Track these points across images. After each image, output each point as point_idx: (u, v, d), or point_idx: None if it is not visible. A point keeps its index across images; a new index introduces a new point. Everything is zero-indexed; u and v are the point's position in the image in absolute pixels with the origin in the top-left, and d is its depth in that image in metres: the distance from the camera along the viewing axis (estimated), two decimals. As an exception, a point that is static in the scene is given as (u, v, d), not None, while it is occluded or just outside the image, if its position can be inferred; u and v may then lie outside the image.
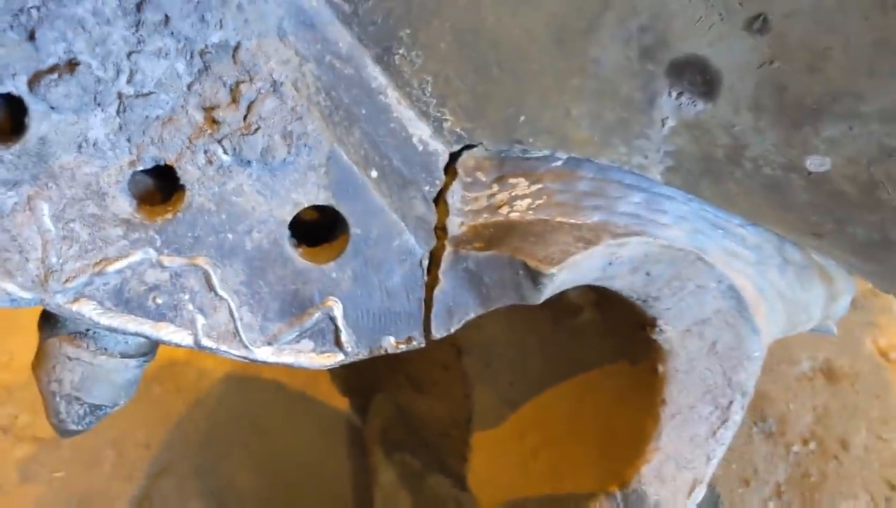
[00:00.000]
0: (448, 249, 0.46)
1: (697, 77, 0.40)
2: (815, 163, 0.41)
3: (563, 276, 0.46)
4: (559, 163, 0.47)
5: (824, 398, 1.06)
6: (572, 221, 0.47)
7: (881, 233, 0.43)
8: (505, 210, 0.47)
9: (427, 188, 0.46)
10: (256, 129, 0.40)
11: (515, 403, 0.65)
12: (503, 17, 0.41)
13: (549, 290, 0.46)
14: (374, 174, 0.44)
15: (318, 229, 0.47)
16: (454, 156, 0.47)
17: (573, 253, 0.46)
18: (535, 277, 0.45)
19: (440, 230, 0.47)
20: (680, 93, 0.41)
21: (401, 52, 0.43)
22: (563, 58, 0.42)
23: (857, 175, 0.40)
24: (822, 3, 0.35)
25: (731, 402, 0.54)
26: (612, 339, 0.59)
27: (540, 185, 0.47)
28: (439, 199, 0.47)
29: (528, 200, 0.47)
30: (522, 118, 0.45)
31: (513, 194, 0.47)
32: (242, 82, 0.40)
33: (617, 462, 0.55)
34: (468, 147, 0.46)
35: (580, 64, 0.42)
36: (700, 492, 0.54)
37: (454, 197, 0.47)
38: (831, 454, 1.02)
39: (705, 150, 0.43)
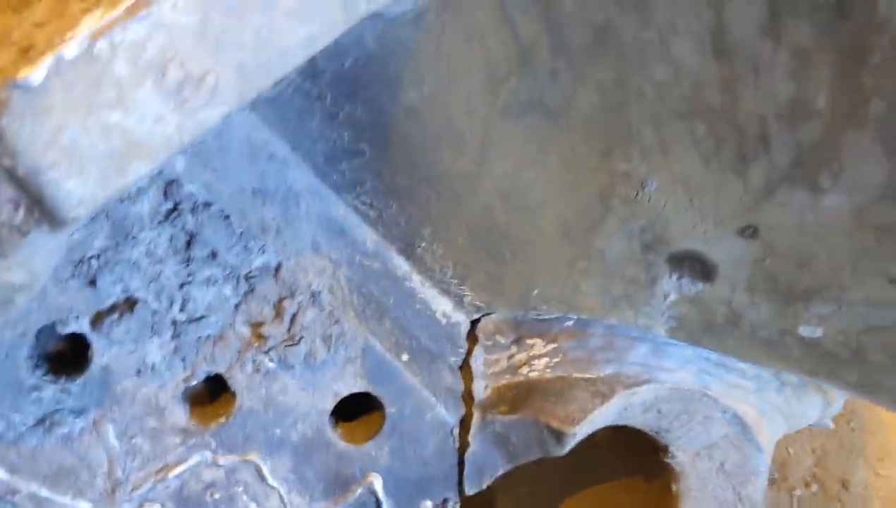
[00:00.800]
0: (476, 415, 0.50)
1: (696, 265, 0.44)
2: (808, 331, 0.45)
3: (584, 430, 0.50)
4: (571, 323, 0.51)
5: (822, 439, 1.11)
6: (587, 376, 0.51)
7: (872, 380, 0.47)
8: (525, 370, 0.51)
9: (453, 359, 0.50)
10: (300, 339, 0.44)
11: (536, 513, 0.69)
12: (513, 219, 0.45)
13: (571, 444, 0.50)
14: (405, 357, 0.48)
15: (353, 399, 0.51)
16: (474, 323, 0.51)
17: (591, 409, 0.50)
18: (558, 436, 0.49)
19: (467, 396, 0.50)
20: (680, 277, 0.45)
21: (423, 245, 0.47)
22: (570, 247, 0.46)
23: (848, 342, 0.44)
24: (806, 220, 0.39)
25: (741, 514, 0.58)
26: (628, 456, 0.62)
27: (555, 344, 0.51)
28: (464, 366, 0.51)
29: (546, 359, 0.51)
30: (536, 292, 0.49)
31: (531, 354, 0.51)
32: (285, 299, 0.44)
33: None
34: (487, 314, 0.50)
35: (586, 252, 0.46)
36: None
37: (477, 361, 0.51)
38: (833, 495, 1.07)
39: (705, 317, 0.47)
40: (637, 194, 0.42)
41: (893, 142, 0.35)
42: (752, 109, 0.37)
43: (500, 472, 0.51)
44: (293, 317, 0.44)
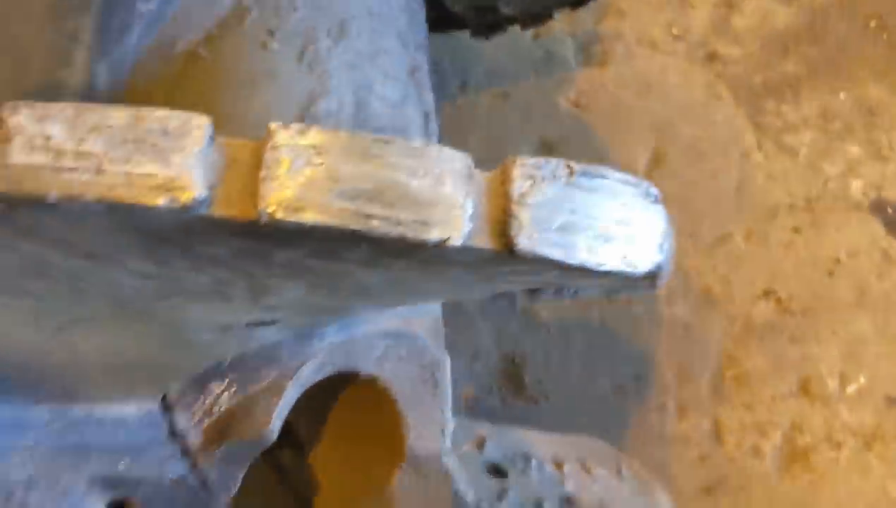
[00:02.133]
0: (201, 459, 0.66)
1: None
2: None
3: (277, 424, 0.66)
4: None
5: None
6: (260, 385, 0.67)
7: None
8: (216, 408, 0.67)
9: (161, 435, 0.65)
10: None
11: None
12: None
13: (272, 440, 0.67)
14: (121, 466, 0.63)
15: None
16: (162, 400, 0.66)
17: (273, 407, 0.66)
18: (260, 443, 0.66)
19: (187, 452, 0.66)
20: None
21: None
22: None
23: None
24: None
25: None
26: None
27: (228, 378, 0.66)
28: (172, 432, 0.66)
29: (226, 393, 0.66)
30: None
31: (215, 394, 0.66)
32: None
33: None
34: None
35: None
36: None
37: (180, 422, 0.66)
38: None
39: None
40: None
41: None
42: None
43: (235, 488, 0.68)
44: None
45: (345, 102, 0.74)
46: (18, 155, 0.34)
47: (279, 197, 0.36)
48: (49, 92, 0.75)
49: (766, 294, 1.20)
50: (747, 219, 1.24)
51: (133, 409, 0.63)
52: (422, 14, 0.91)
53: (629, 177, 0.43)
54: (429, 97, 0.85)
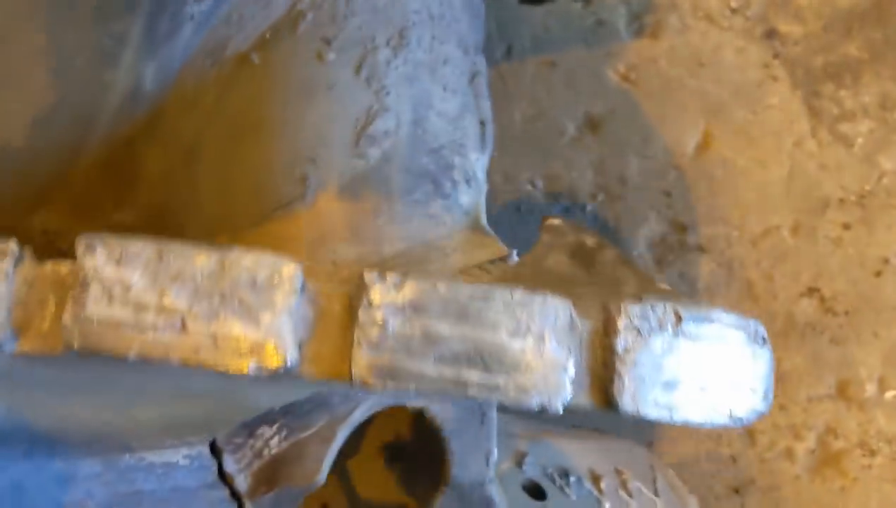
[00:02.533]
0: (248, 505, 0.65)
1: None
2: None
3: (326, 470, 0.65)
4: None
5: (596, 150, 1.25)
6: (310, 432, 0.65)
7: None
8: (266, 451, 0.65)
9: (210, 479, 0.64)
10: None
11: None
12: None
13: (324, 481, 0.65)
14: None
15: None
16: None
17: (323, 455, 0.65)
18: (307, 490, 0.64)
19: (234, 496, 0.65)
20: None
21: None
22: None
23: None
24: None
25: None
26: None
27: (277, 423, 0.65)
28: (221, 474, 0.65)
29: (276, 437, 0.65)
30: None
31: (265, 438, 0.65)
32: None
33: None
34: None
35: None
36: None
37: (228, 465, 0.65)
38: (617, 194, 1.24)
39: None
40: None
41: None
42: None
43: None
44: None
45: (402, 121, 0.70)
46: (97, 305, 0.31)
47: (373, 362, 0.34)
48: (94, 92, 0.72)
49: (810, 291, 1.17)
50: (795, 212, 1.20)
51: (184, 452, 0.62)
52: (482, 8, 0.86)
53: (737, 319, 0.40)
54: (486, 104, 0.80)
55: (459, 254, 0.68)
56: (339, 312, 0.35)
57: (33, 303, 0.32)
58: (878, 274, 1.17)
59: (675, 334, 0.38)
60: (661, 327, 0.38)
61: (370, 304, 0.35)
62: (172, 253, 0.32)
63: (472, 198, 0.73)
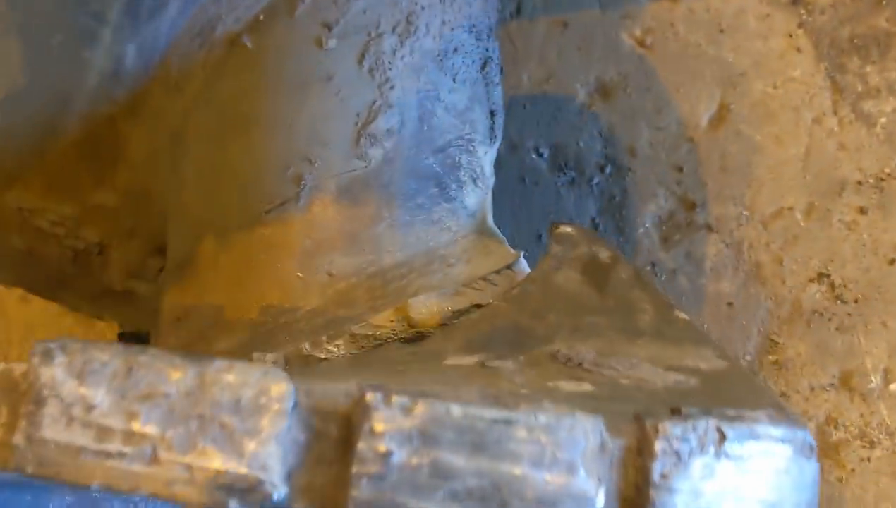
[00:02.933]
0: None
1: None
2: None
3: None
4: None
5: (606, 117, 1.20)
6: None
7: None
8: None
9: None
10: None
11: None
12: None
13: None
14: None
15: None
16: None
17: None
18: None
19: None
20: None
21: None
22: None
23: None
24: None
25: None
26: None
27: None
28: None
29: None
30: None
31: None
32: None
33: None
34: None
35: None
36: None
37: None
38: (625, 167, 1.19)
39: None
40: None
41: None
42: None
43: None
44: None
45: (407, 118, 0.64)
46: (53, 428, 0.27)
47: (374, 498, 0.30)
48: (72, 70, 0.66)
49: (820, 277, 1.13)
50: (810, 193, 1.15)
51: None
52: (496, -16, 0.79)
53: (785, 431, 0.36)
54: (497, 92, 0.74)
55: (463, 264, 0.64)
56: (336, 437, 0.30)
57: (-20, 411, 0.27)
58: (892, 261, 1.13)
59: (718, 455, 0.34)
60: (703, 449, 0.34)
61: (372, 432, 0.30)
62: (143, 367, 0.27)
63: (478, 197, 0.69)
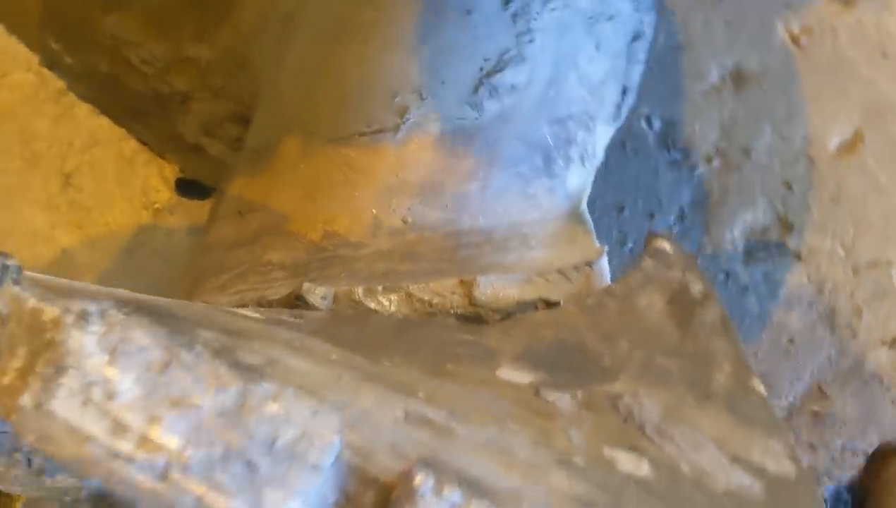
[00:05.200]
0: None
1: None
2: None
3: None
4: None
5: (731, 107, 1.11)
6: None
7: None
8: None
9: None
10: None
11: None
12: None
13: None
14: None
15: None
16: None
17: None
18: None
19: None
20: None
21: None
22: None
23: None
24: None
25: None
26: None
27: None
28: None
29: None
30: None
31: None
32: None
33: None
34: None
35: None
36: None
37: None
38: (734, 166, 1.12)
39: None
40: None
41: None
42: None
43: None
44: None
45: (536, 78, 0.58)
46: (66, 404, 0.23)
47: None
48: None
49: (893, 343, 1.07)
50: (914, 253, 1.07)
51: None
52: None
53: None
54: (637, 70, 0.68)
55: (543, 248, 0.59)
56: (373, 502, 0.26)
57: (2, 338, 0.24)
58: (975, 353, 1.06)
59: None
60: None
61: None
62: (184, 366, 0.23)
63: (581, 180, 0.63)
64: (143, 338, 0.24)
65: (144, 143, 0.93)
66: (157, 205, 1.05)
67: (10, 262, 0.23)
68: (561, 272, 0.58)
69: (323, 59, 0.58)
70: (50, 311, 0.23)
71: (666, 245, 0.60)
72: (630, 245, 1.08)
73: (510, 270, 0.56)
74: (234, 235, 0.57)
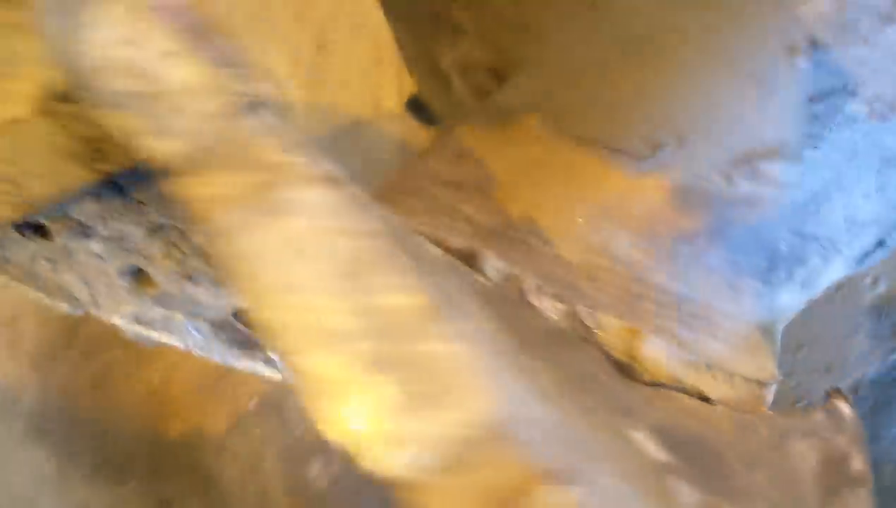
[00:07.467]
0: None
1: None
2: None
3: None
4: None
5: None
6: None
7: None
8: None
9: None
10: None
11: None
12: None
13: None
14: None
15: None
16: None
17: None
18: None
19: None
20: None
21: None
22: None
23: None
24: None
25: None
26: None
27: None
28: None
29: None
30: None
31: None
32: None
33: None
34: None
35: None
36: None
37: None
38: None
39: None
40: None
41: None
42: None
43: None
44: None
45: (804, 185, 0.55)
46: None
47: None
48: None
49: None
50: None
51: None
52: None
53: None
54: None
55: (724, 345, 0.55)
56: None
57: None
58: None
59: None
60: None
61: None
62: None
63: (792, 302, 0.58)
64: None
65: (400, 45, 0.92)
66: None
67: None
68: (731, 375, 0.54)
69: (607, 64, 0.57)
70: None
71: (846, 408, 0.55)
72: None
73: (683, 346, 0.52)
74: (444, 173, 0.57)
